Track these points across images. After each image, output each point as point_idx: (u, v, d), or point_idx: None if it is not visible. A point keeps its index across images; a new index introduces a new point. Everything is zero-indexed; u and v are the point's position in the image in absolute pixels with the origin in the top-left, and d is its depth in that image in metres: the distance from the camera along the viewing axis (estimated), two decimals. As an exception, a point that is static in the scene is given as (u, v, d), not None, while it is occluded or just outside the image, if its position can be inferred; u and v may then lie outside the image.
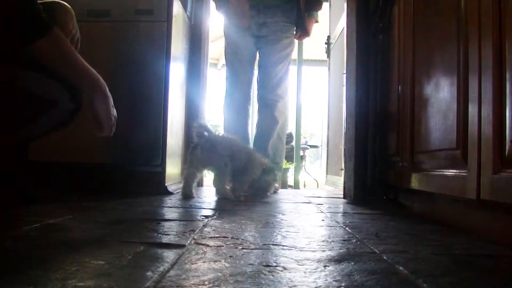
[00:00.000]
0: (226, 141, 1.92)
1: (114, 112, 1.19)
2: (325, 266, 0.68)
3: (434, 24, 1.29)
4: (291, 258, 0.73)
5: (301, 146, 4.62)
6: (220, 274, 0.62)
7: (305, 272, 0.65)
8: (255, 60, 2.51)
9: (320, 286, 0.58)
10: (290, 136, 4.84)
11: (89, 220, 1.14)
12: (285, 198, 2.03)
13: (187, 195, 1.83)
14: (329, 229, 1.09)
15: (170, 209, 1.44)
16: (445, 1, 1.21)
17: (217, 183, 1.89)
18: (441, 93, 1.21)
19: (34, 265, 0.64)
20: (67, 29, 1.24)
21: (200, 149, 1.83)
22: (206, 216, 1.24)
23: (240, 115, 2.44)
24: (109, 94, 1.15)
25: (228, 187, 1.91)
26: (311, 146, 6.60)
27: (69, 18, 1.28)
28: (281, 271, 0.65)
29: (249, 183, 2.03)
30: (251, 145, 2.47)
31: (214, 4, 2.47)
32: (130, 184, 1.98)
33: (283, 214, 1.37)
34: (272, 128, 2.42)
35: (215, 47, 5.38)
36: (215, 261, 0.70)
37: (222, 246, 0.83)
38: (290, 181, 4.36)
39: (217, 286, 0.57)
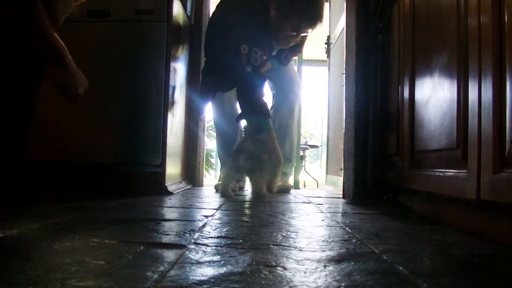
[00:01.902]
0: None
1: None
2: (325, 266, 0.69)
3: (434, 24, 1.29)
4: (291, 258, 0.73)
5: (301, 146, 4.61)
6: (220, 274, 0.62)
7: (305, 272, 0.65)
8: None
9: (320, 286, 0.58)
10: (290, 136, 4.82)
11: (89, 220, 1.14)
12: (285, 198, 2.03)
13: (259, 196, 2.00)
14: (329, 229, 1.09)
15: (170, 209, 1.44)
16: (445, 0, 1.21)
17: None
18: (441, 93, 1.21)
19: (34, 265, 0.64)
20: None
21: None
22: (206, 216, 1.24)
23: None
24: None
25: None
26: (311, 146, 6.59)
27: None
28: (281, 271, 0.65)
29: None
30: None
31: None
32: (130, 184, 1.98)
33: (283, 214, 1.37)
34: (290, 122, 2.48)
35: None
36: (215, 261, 0.70)
37: (222, 246, 0.83)
38: (290, 181, 4.36)
39: (217, 286, 0.57)
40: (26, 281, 0.56)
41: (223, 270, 0.64)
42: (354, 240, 0.92)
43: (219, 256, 0.74)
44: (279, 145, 2.41)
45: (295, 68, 2.65)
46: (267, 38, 2.14)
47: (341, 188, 1.99)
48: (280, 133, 2.45)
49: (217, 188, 2.33)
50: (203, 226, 1.06)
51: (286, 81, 2.49)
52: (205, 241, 0.87)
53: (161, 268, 0.64)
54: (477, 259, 0.79)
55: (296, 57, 2.97)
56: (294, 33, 2.09)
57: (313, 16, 2.03)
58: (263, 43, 2.10)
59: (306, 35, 2.27)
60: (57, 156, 1.98)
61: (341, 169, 2.14)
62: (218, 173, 4.19)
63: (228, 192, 2.00)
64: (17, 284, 0.55)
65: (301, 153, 4.73)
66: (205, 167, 3.64)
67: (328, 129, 3.81)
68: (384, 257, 0.76)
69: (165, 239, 0.88)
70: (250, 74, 2.03)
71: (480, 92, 0.96)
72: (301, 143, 4.52)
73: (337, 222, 1.23)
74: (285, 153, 2.48)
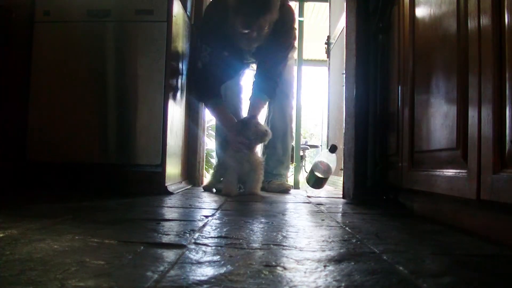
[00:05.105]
0: None
1: None
2: (325, 266, 0.69)
3: (434, 24, 1.29)
4: (291, 258, 0.73)
5: (301, 146, 4.61)
6: (220, 274, 0.62)
7: (305, 272, 0.65)
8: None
9: (320, 286, 0.58)
10: (290, 136, 4.82)
11: (89, 220, 1.14)
12: (285, 198, 2.03)
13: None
14: (329, 229, 1.09)
15: (170, 209, 1.44)
16: (445, 0, 1.21)
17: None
18: (441, 93, 1.21)
19: (34, 265, 0.64)
20: None
21: None
22: (206, 216, 1.24)
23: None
24: None
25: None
26: (311, 146, 6.58)
27: None
28: (281, 271, 0.65)
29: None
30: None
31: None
32: (130, 184, 1.98)
33: (283, 214, 1.37)
34: (282, 123, 2.45)
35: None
36: (215, 261, 0.70)
37: (222, 246, 0.83)
38: (290, 181, 4.36)
39: (217, 286, 0.57)
40: (26, 281, 0.56)
41: (223, 270, 0.64)
42: (354, 240, 0.92)
43: (219, 256, 0.74)
44: (271, 146, 2.40)
45: (292, 69, 2.57)
46: (232, 39, 2.13)
47: (341, 188, 1.99)
48: (272, 134, 2.42)
49: (205, 188, 2.30)
50: (203, 226, 1.06)
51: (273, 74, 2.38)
52: (205, 241, 0.87)
53: (161, 268, 0.64)
54: (477, 259, 0.79)
55: (296, 57, 2.95)
56: (246, 31, 2.01)
57: (256, 10, 1.94)
58: (222, 42, 2.15)
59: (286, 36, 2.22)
60: (56, 156, 1.98)
61: (341, 169, 2.14)
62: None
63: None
64: (17, 284, 0.55)
65: (301, 153, 4.72)
66: (205, 167, 3.63)
67: (328, 129, 3.80)
68: (384, 257, 0.76)
69: (165, 239, 0.88)
70: (200, 69, 2.23)
71: (480, 92, 0.96)
72: (301, 143, 4.52)
73: (337, 222, 1.23)
74: (278, 156, 2.46)
